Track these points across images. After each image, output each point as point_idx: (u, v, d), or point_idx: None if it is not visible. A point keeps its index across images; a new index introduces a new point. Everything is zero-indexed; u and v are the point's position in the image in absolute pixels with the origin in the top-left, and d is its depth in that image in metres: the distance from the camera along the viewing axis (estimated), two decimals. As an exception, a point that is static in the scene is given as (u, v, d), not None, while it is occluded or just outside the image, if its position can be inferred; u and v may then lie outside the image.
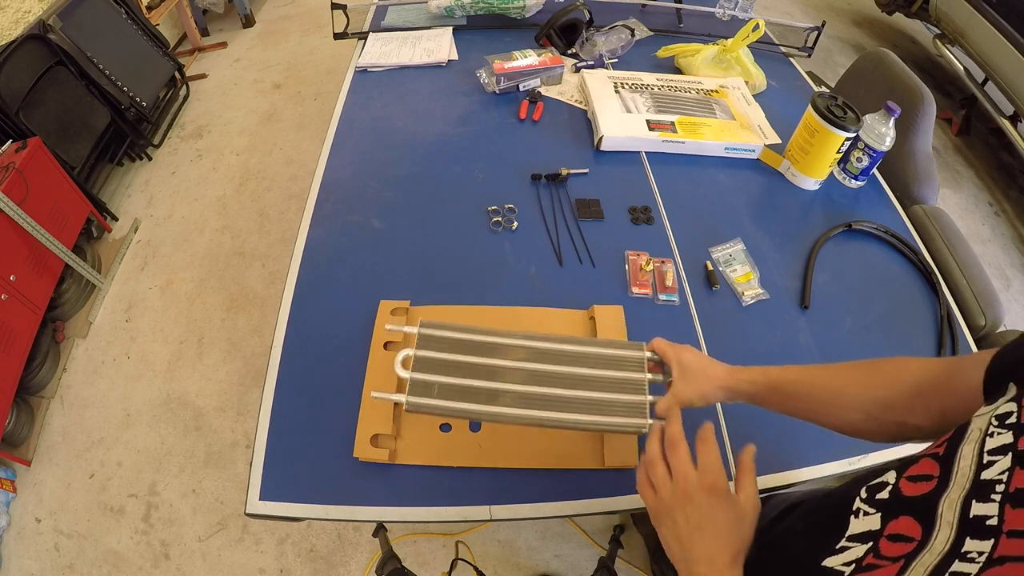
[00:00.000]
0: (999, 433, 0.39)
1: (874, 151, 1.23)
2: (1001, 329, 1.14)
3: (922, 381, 0.58)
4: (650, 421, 0.76)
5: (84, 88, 2.38)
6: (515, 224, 1.18)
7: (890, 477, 0.47)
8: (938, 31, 3.09)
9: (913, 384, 0.59)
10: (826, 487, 0.75)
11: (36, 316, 1.88)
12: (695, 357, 0.73)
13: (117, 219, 2.49)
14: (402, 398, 0.76)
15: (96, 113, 2.43)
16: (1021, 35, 2.46)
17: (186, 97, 3.11)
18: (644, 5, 1.87)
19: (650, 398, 0.77)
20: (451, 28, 1.71)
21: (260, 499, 0.84)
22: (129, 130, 2.62)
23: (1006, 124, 2.65)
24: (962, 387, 0.51)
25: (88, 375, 2.00)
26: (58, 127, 2.22)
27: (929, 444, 0.46)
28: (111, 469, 1.78)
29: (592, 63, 1.58)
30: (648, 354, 0.81)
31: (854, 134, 1.20)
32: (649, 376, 0.79)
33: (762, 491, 0.82)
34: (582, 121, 1.43)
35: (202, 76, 3.27)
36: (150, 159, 2.77)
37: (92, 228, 2.34)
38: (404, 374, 0.78)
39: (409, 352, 0.79)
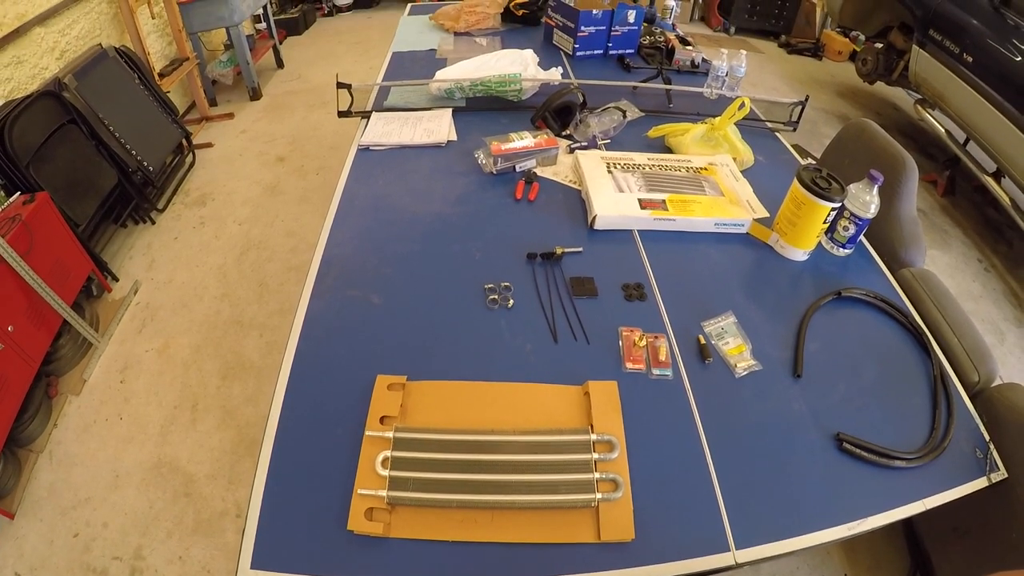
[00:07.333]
0: None
1: (860, 219, 1.27)
2: (996, 383, 1.14)
3: None
4: (598, 496, 0.86)
5: (94, 148, 2.44)
6: (511, 302, 1.19)
7: None
8: (919, 96, 3.21)
9: None
10: None
11: (31, 368, 1.86)
12: None
13: (118, 279, 2.51)
14: (384, 493, 0.87)
15: (104, 173, 2.47)
16: (997, 93, 2.54)
17: (192, 164, 3.19)
18: (635, 87, 1.96)
19: (597, 475, 0.89)
20: (451, 109, 1.78)
21: (252, 567, 0.82)
22: (135, 193, 2.68)
23: (989, 181, 2.72)
24: None
25: (79, 432, 1.96)
26: (66, 184, 2.25)
27: None
28: (96, 529, 1.72)
29: (586, 144, 1.64)
30: (594, 436, 0.93)
31: (839, 204, 1.23)
32: (596, 456, 0.91)
33: (764, 559, 0.80)
34: (576, 201, 1.47)
35: (209, 145, 3.37)
36: (153, 223, 2.82)
37: (92, 286, 2.35)
38: (384, 473, 0.90)
39: (387, 454, 0.92)
